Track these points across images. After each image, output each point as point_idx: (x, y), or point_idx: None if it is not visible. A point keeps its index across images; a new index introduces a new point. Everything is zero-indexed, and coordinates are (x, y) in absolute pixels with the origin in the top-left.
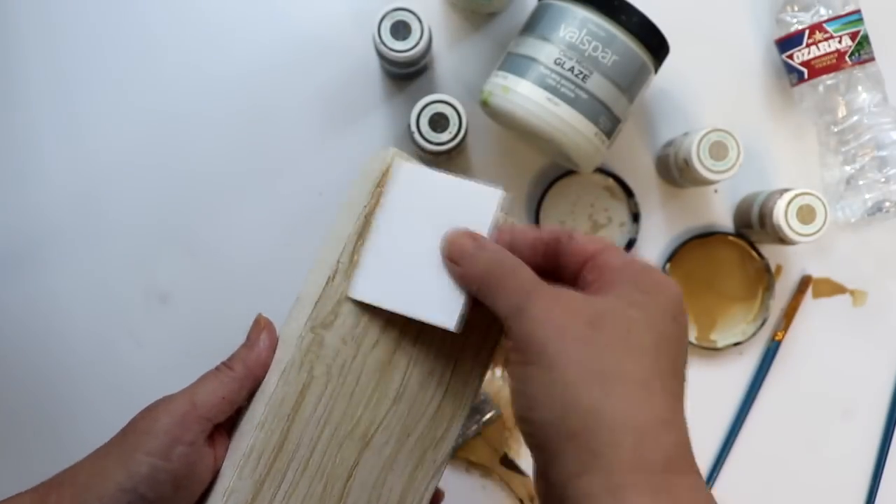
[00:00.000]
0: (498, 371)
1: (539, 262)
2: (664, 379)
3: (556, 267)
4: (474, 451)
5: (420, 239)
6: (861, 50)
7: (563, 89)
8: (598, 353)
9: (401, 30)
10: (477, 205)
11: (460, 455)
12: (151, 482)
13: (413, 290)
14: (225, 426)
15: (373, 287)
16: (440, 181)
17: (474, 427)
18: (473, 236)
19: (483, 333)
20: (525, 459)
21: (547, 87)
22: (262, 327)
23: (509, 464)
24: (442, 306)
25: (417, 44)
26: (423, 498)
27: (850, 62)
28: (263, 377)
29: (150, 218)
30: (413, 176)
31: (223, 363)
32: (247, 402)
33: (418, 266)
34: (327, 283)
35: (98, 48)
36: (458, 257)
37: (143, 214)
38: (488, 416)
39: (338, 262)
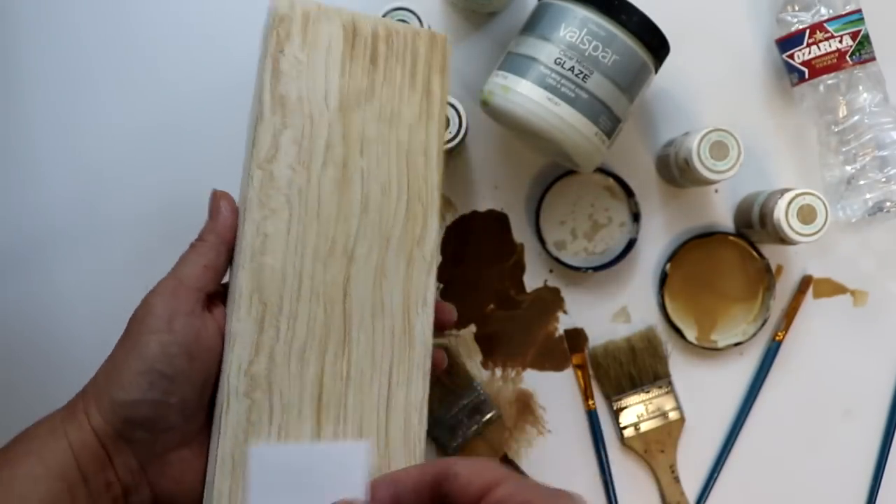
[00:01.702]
0: (498, 371)
1: None
2: None
3: None
4: (474, 451)
5: None
6: (862, 49)
7: (563, 89)
8: None
9: None
10: (345, 466)
11: (461, 455)
12: (164, 357)
13: None
14: (221, 299)
15: None
16: (299, 453)
17: (474, 427)
18: None
19: (424, 128)
20: (525, 459)
21: (547, 87)
22: (219, 197)
23: (509, 464)
24: None
25: None
26: (426, 294)
27: (850, 62)
28: (234, 240)
29: (150, 217)
30: (270, 456)
31: (195, 240)
32: (229, 268)
33: None
34: (257, 122)
35: (97, 48)
36: None
37: (143, 214)
38: (488, 416)
39: (261, 100)
